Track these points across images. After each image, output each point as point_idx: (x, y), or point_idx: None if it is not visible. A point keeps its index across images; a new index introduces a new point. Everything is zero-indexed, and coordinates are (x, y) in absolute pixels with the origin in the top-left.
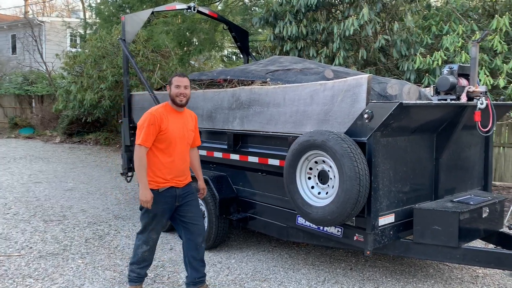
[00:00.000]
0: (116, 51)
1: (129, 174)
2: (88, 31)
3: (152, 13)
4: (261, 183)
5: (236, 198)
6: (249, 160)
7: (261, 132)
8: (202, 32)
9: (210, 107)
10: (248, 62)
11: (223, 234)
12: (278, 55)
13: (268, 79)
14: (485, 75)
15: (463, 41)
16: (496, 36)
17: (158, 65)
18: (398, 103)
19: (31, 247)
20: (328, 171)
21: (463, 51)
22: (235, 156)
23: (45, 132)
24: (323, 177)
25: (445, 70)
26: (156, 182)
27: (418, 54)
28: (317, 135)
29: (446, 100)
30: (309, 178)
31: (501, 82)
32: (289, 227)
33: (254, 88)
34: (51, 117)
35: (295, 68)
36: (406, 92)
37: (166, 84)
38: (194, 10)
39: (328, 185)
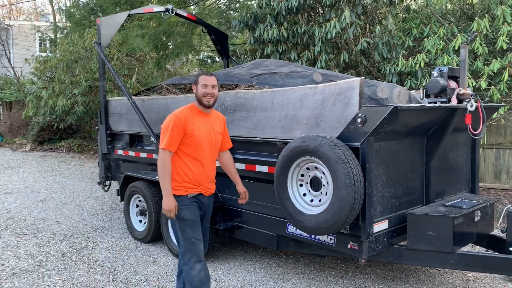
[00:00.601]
0: (89, 55)
1: (107, 183)
2: (58, 35)
3: (129, 15)
4: (249, 191)
5: (223, 207)
6: (236, 167)
7: (248, 138)
8: (179, 36)
9: None
10: (228, 66)
11: (209, 245)
12: (259, 58)
13: (254, 83)
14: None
15: (444, 44)
16: (477, 38)
17: (136, 69)
18: (392, 107)
19: (3, 264)
20: (321, 177)
21: (444, 53)
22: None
23: (14, 140)
24: (315, 184)
25: (435, 73)
26: (185, 187)
27: (400, 56)
28: (309, 140)
29: (436, 103)
30: (301, 185)
31: (483, 84)
32: (279, 236)
33: (240, 92)
34: (21, 124)
35: (282, 72)
36: (397, 95)
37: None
38: (172, 12)
39: (321, 192)
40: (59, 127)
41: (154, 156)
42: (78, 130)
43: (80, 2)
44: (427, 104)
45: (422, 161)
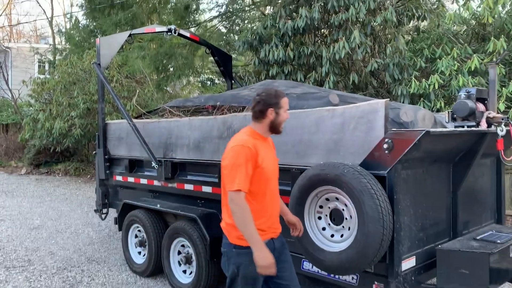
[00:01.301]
0: (88, 77)
1: (104, 211)
2: (57, 57)
3: (130, 35)
4: None
5: None
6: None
7: None
8: (181, 57)
9: (197, 136)
10: (231, 88)
11: (214, 281)
12: (264, 79)
13: None
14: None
15: (459, 65)
16: (494, 59)
17: (137, 91)
18: (424, 132)
19: None
20: (343, 210)
21: (460, 75)
22: None
23: (9, 163)
24: (336, 217)
25: (462, 94)
26: None
27: (413, 77)
28: (330, 168)
29: (463, 127)
30: (319, 217)
31: (501, 106)
32: None
33: (248, 114)
34: (17, 147)
35: (293, 93)
36: (421, 118)
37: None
38: (175, 33)
39: (343, 227)
40: (56, 150)
41: (155, 182)
42: (75, 153)
43: (80, 25)
44: (458, 129)
45: (448, 190)
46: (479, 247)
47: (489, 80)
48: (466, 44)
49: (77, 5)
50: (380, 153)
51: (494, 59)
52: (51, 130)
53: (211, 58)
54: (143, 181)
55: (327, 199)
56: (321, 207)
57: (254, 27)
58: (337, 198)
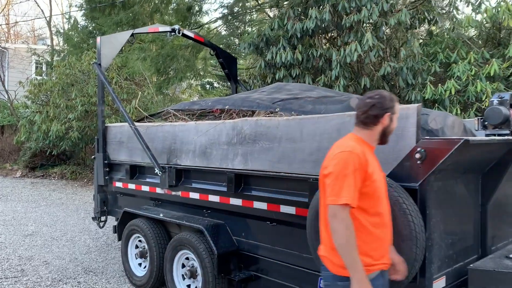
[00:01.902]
0: (86, 79)
1: (102, 218)
2: (55, 58)
3: (132, 35)
4: (271, 235)
5: (237, 252)
6: (254, 206)
7: (271, 173)
8: (183, 59)
9: (204, 142)
10: (236, 91)
11: None
12: (271, 83)
13: (277, 109)
14: None
15: (476, 70)
16: None
17: (139, 93)
18: (463, 141)
19: None
20: None
21: (478, 80)
22: (236, 201)
23: (5, 166)
24: None
25: (495, 100)
26: (365, 263)
27: (428, 82)
28: None
29: (495, 135)
30: None
31: None
32: None
33: (261, 119)
34: (12, 149)
35: (310, 96)
36: (451, 125)
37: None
38: (178, 33)
39: None
40: (52, 153)
41: (158, 190)
42: (72, 156)
43: (79, 26)
44: (497, 137)
45: (477, 203)
46: None
47: None
48: (484, 48)
49: (76, 5)
50: (411, 163)
51: None
52: (48, 133)
53: (212, 60)
54: (145, 188)
55: None
56: None
57: (262, 28)
58: None
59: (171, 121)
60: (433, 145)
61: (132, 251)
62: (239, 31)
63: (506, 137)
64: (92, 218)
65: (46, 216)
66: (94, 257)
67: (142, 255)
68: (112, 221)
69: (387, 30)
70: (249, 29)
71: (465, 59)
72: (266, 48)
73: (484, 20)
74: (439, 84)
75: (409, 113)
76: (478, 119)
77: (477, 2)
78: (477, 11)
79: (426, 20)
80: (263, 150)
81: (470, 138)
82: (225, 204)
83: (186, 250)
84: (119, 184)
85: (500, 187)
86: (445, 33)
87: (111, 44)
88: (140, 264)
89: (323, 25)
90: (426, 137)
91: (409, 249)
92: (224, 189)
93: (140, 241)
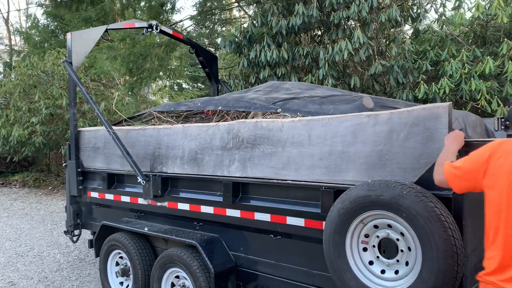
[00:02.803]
0: (50, 80)
1: (76, 232)
2: (14, 58)
3: (106, 30)
4: (274, 249)
5: (235, 269)
6: (256, 218)
7: (275, 180)
8: (157, 58)
9: (194, 147)
10: (217, 91)
11: None
12: (254, 83)
13: (278, 110)
14: (497, 105)
15: (470, 68)
16: (510, 62)
17: (116, 93)
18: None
19: None
20: (397, 239)
21: (472, 79)
22: (234, 212)
23: None
24: (387, 249)
25: None
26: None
27: (421, 81)
28: (383, 188)
29: None
30: (365, 249)
31: None
32: None
33: (262, 121)
34: None
35: (314, 96)
36: (473, 125)
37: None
38: (156, 29)
39: (398, 261)
40: (13, 160)
41: (140, 200)
42: (34, 162)
43: (40, 24)
44: None
45: None
46: None
47: None
48: (473, 46)
49: (36, 3)
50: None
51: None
52: (8, 138)
53: (192, 60)
54: (125, 198)
55: (375, 226)
56: (366, 236)
57: (244, 26)
58: (389, 226)
59: (154, 124)
60: (468, 148)
61: (112, 269)
62: (212, 30)
63: None
64: (64, 232)
65: (8, 229)
66: (67, 275)
67: (124, 273)
68: (85, 234)
69: (377, 28)
70: (223, 28)
71: (456, 57)
72: (249, 46)
73: (477, 16)
74: (433, 83)
75: (440, 113)
76: (499, 118)
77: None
78: (470, 8)
79: (410, 18)
80: (265, 156)
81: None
82: (220, 216)
83: (176, 268)
84: (94, 194)
85: None
86: (432, 31)
87: (83, 41)
88: (121, 283)
89: (310, 22)
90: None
91: (449, 267)
92: (220, 199)
93: (121, 257)
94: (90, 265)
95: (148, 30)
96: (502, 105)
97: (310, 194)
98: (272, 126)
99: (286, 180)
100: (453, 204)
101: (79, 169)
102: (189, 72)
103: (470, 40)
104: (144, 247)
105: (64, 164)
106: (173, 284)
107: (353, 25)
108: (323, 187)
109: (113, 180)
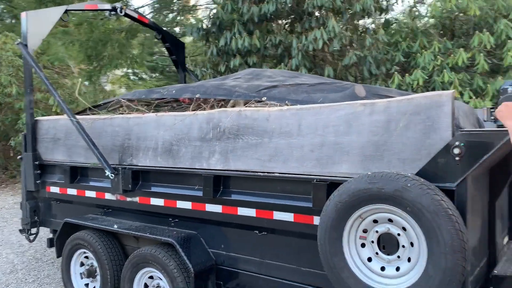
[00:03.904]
0: None
1: (33, 231)
2: None
3: (66, 11)
4: (260, 246)
5: (215, 268)
6: (239, 213)
7: (261, 173)
8: (118, 44)
9: (168, 138)
10: (185, 79)
11: None
12: (224, 72)
13: (264, 98)
14: (469, 97)
15: (442, 60)
16: (481, 54)
17: (79, 80)
18: None
19: None
20: (398, 234)
21: (445, 70)
22: (214, 208)
23: None
24: (386, 244)
25: (510, 87)
26: None
27: (395, 73)
28: (385, 181)
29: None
30: (363, 245)
31: (488, 104)
32: None
33: (245, 110)
34: None
35: (302, 83)
36: (464, 115)
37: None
38: (120, 12)
39: (399, 257)
40: None
41: (107, 195)
42: None
43: None
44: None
45: (486, 201)
46: None
47: None
48: (444, 38)
49: None
50: (446, 159)
51: (482, 55)
52: None
53: (160, 47)
54: (90, 194)
55: (375, 221)
56: (365, 231)
57: (214, 12)
58: (390, 220)
59: (122, 113)
60: (475, 138)
61: (76, 270)
62: (173, 19)
63: None
64: (20, 230)
65: None
66: (22, 277)
67: (90, 274)
68: (43, 232)
69: (350, 17)
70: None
71: (429, 49)
72: (218, 33)
73: (449, 8)
74: (406, 74)
75: (443, 101)
76: (488, 109)
77: None
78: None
79: (379, 9)
80: (249, 147)
81: None
82: (199, 212)
83: (150, 267)
84: (54, 189)
85: (507, 183)
86: (402, 23)
87: (39, 22)
88: (86, 285)
89: (284, 9)
90: (465, 129)
91: (457, 263)
92: (199, 193)
93: (86, 257)
94: (48, 265)
95: (112, 13)
96: (474, 98)
97: (300, 187)
98: (257, 116)
99: (273, 172)
100: (456, 196)
101: (37, 162)
102: (147, 61)
103: (439, 32)
104: (113, 246)
105: (20, 156)
106: (146, 285)
107: (326, 15)
108: (315, 180)
109: (76, 174)
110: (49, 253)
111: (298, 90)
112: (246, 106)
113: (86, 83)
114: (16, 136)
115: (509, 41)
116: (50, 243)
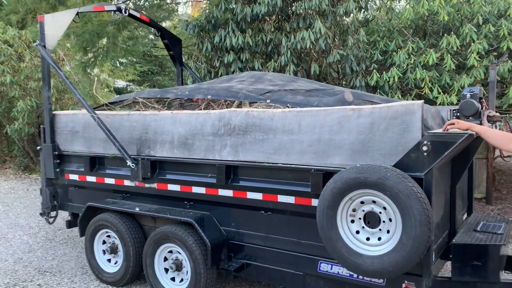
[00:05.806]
0: None
1: (52, 214)
2: None
3: (77, 14)
4: (265, 224)
5: (226, 242)
6: (248, 197)
7: (267, 164)
8: (112, 37)
9: (184, 133)
10: (181, 73)
11: (212, 286)
12: (218, 67)
13: (268, 101)
14: (438, 93)
15: (415, 58)
16: (449, 55)
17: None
18: (467, 135)
19: None
20: (380, 212)
21: (417, 68)
22: (226, 192)
23: None
24: (370, 220)
25: (468, 94)
26: None
27: (374, 70)
28: (370, 172)
29: None
30: (352, 221)
31: (454, 99)
32: (307, 275)
33: (253, 111)
34: None
35: (299, 88)
36: (432, 116)
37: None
38: (125, 12)
39: (380, 230)
40: None
41: (126, 182)
42: None
43: None
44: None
45: (448, 185)
46: (489, 239)
47: (490, 80)
48: (417, 38)
49: None
50: (417, 154)
51: (449, 56)
52: None
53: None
54: (109, 181)
55: (362, 202)
56: (354, 210)
57: (209, 10)
58: (373, 201)
59: (138, 110)
60: (439, 139)
61: (99, 247)
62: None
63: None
64: (40, 213)
65: None
66: (41, 255)
67: (112, 250)
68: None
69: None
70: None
71: (403, 48)
72: (213, 30)
73: (422, 13)
74: (384, 72)
75: (414, 109)
76: (451, 110)
77: None
78: (414, 5)
79: (358, 8)
80: (256, 141)
81: (470, 132)
82: (212, 196)
83: (170, 243)
84: (73, 177)
85: (465, 171)
86: (380, 22)
87: (55, 24)
88: (109, 260)
89: (274, 10)
90: (431, 131)
91: (424, 233)
92: (213, 180)
93: (108, 236)
94: (61, 245)
95: (116, 12)
96: (442, 93)
97: (300, 175)
98: (263, 116)
99: (277, 163)
100: (424, 183)
101: (56, 152)
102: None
103: (412, 31)
104: (133, 226)
105: (39, 147)
106: (165, 258)
107: (313, 15)
108: (313, 170)
109: (95, 163)
110: (60, 234)
111: (297, 94)
112: (252, 107)
113: (81, 73)
114: (11, 124)
115: (472, 44)
116: (69, 224)
